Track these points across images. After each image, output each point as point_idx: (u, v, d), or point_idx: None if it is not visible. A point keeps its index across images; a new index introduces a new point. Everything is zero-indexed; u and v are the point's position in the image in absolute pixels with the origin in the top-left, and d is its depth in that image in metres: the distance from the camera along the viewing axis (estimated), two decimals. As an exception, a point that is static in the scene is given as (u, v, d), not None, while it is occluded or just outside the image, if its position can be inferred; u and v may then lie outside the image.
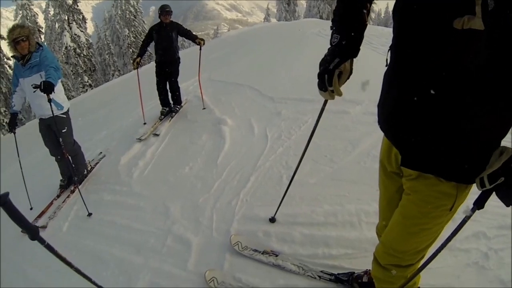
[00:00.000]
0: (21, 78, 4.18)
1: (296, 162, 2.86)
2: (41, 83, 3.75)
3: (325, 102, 2.02)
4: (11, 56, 4.28)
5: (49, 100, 3.87)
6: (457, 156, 1.24)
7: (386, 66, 1.43)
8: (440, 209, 1.40)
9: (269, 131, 4.77)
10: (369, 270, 2.29)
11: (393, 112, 1.38)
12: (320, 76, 1.57)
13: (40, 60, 4.08)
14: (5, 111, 21.87)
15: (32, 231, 1.51)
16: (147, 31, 6.26)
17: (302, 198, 3.32)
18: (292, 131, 4.66)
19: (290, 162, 3.97)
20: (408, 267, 1.62)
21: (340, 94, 1.62)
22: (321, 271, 2.53)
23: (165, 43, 5.90)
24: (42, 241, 1.58)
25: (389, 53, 1.37)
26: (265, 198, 3.46)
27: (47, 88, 3.75)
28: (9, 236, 4.09)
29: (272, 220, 3.14)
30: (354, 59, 1.56)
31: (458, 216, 1.40)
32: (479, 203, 1.26)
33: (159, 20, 5.96)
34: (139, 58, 5.99)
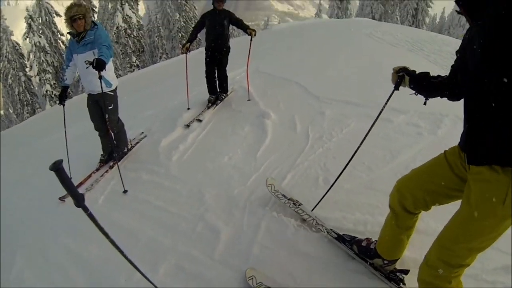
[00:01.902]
0: (75, 54, 4.31)
1: (335, 165, 2.83)
2: (94, 60, 3.88)
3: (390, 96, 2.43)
4: (67, 33, 4.41)
5: (100, 77, 3.98)
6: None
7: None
8: (487, 218, 1.56)
9: (311, 130, 4.71)
10: (370, 238, 2.56)
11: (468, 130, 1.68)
12: None
13: (94, 38, 4.19)
14: (55, 83, 22.96)
15: (78, 198, 1.60)
16: (198, 18, 6.24)
17: (336, 202, 3.28)
18: (334, 133, 4.58)
19: (328, 165, 3.91)
20: (454, 267, 1.70)
21: (393, 76, 2.25)
22: (331, 229, 2.85)
23: (217, 30, 5.85)
24: (85, 209, 1.67)
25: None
26: (300, 198, 3.39)
27: (99, 65, 3.87)
28: (48, 203, 4.29)
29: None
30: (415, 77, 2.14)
31: None
32: None
33: (211, 7, 5.91)
34: (189, 43, 6.02)
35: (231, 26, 6.10)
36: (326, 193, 3.04)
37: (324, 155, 4.12)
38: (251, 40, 6.02)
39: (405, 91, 2.25)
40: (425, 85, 2.06)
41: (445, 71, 1.93)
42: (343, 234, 2.73)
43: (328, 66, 7.31)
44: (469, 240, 1.63)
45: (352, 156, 2.85)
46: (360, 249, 2.54)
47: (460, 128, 1.74)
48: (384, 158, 3.87)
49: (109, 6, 25.21)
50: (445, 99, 2.02)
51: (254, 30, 5.85)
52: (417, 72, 2.14)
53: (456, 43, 1.72)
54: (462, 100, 1.74)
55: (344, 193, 3.40)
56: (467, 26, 1.68)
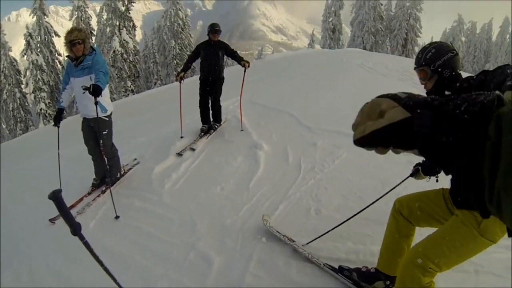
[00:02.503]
0: (72, 77, 4.38)
1: (326, 196, 2.88)
2: (90, 86, 3.94)
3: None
4: (66, 56, 4.49)
5: (96, 103, 4.06)
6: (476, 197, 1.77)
7: None
8: (469, 227, 1.87)
9: (303, 161, 4.78)
10: (367, 266, 2.67)
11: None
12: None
13: (92, 63, 4.27)
14: (49, 102, 22.95)
15: (75, 227, 1.63)
16: (194, 47, 6.33)
17: (328, 233, 3.30)
18: (325, 164, 4.65)
19: (319, 195, 3.96)
20: (431, 261, 1.89)
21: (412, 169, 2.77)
22: (326, 263, 2.87)
23: (211, 61, 5.97)
24: (81, 238, 1.70)
25: None
26: (291, 228, 3.45)
27: (96, 91, 3.94)
28: (38, 223, 4.27)
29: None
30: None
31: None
32: None
33: (206, 37, 6.05)
34: (183, 73, 6.12)
35: (225, 56, 6.25)
36: (326, 233, 3.14)
37: (316, 186, 4.17)
38: (244, 71, 6.14)
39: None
40: (432, 164, 2.49)
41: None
42: (340, 265, 2.78)
43: (320, 96, 7.47)
44: (452, 242, 1.89)
45: (371, 204, 3.12)
46: (360, 275, 2.60)
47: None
48: (375, 188, 3.92)
49: (107, 30, 25.56)
50: None
51: (247, 62, 6.00)
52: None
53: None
54: None
55: (336, 223, 3.43)
56: None
